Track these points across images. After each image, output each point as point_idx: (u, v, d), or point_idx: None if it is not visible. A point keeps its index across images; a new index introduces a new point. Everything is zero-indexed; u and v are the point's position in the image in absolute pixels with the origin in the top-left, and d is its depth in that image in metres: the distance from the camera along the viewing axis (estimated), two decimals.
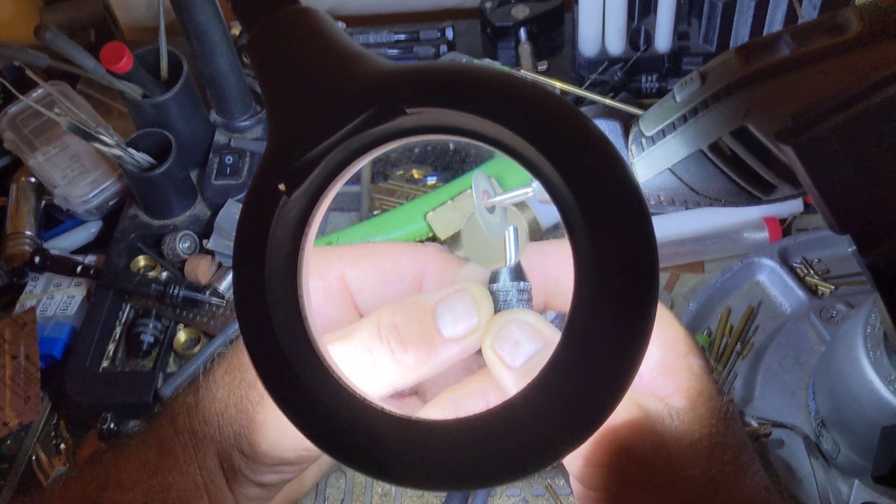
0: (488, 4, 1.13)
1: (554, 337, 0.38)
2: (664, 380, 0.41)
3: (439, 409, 0.40)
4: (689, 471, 0.39)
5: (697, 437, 0.40)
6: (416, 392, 0.49)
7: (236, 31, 1.12)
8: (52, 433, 0.89)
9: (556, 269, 0.43)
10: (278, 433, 0.44)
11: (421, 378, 0.40)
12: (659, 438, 0.39)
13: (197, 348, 0.92)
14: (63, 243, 1.04)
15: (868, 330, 0.64)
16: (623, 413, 0.39)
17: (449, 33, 1.17)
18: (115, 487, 0.46)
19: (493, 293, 0.40)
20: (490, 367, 0.39)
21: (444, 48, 1.16)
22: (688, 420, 0.40)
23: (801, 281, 0.86)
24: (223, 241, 0.94)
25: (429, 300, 0.40)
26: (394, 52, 1.17)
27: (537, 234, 0.92)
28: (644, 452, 0.39)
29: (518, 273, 0.40)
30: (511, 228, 0.41)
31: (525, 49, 1.11)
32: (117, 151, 0.92)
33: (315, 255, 0.36)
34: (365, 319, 0.40)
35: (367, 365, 0.39)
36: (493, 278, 0.40)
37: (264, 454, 0.45)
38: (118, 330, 0.94)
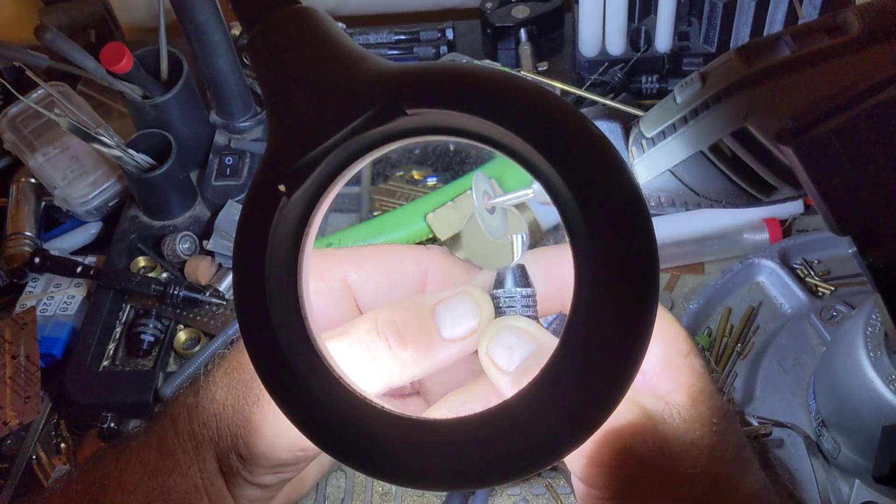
0: (489, 5, 1.13)
1: (548, 341, 0.38)
2: (666, 376, 0.42)
3: (444, 411, 0.41)
4: (691, 469, 0.39)
5: (699, 435, 0.40)
6: (419, 392, 0.49)
7: (236, 31, 1.11)
8: (53, 433, 0.89)
9: (558, 277, 0.43)
10: (275, 434, 0.44)
11: (418, 376, 0.40)
12: (661, 438, 0.39)
13: (197, 348, 0.92)
14: (63, 244, 1.04)
15: (868, 330, 0.64)
16: (625, 414, 0.39)
17: (449, 34, 1.17)
18: (117, 489, 0.46)
19: (497, 298, 0.40)
20: (486, 372, 0.39)
21: (444, 49, 1.16)
22: (689, 418, 0.40)
23: (801, 282, 0.86)
24: (223, 241, 0.94)
25: (428, 300, 0.40)
26: (394, 52, 1.17)
27: (537, 234, 0.92)
28: (646, 453, 0.39)
29: (522, 279, 0.40)
30: (519, 236, 0.41)
31: (525, 50, 1.11)
32: (117, 152, 0.92)
33: (318, 257, 0.36)
34: (363, 316, 0.41)
35: (364, 360, 0.39)
36: (499, 283, 0.40)
37: (261, 455, 0.45)
38: (118, 330, 0.94)
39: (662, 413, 0.40)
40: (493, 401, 0.40)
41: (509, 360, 0.38)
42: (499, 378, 0.38)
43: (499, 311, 0.40)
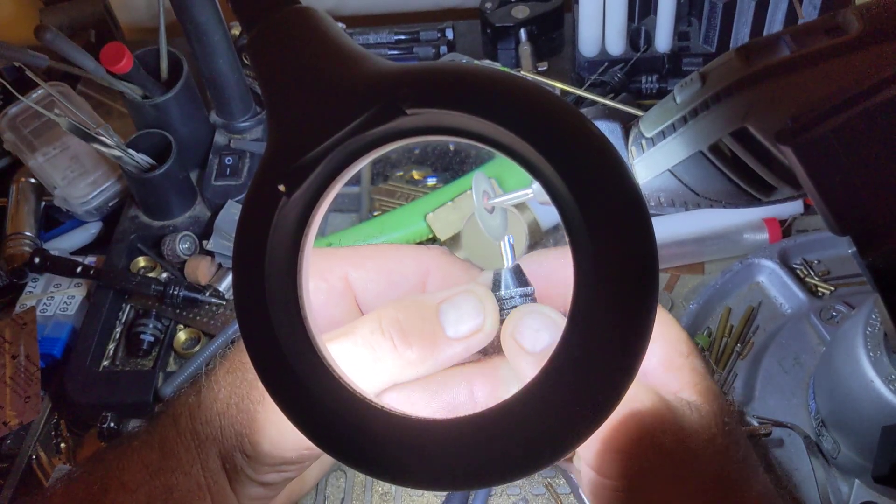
0: (488, 5, 1.13)
1: None
2: (669, 377, 0.42)
3: (421, 383, 0.40)
4: (707, 466, 0.39)
5: (714, 433, 0.40)
6: None
7: (236, 31, 1.12)
8: (53, 433, 0.89)
9: (557, 279, 0.43)
10: (279, 432, 0.44)
11: (422, 375, 0.40)
12: (681, 430, 0.39)
13: (197, 348, 0.92)
14: (63, 244, 1.04)
15: (868, 330, 0.64)
16: (644, 400, 0.39)
17: (449, 34, 1.17)
18: (118, 489, 0.46)
19: (498, 300, 0.40)
20: (508, 354, 0.39)
21: (444, 49, 1.16)
22: (705, 414, 0.40)
23: (801, 282, 0.86)
24: (223, 241, 0.94)
25: (432, 299, 0.40)
26: (394, 52, 1.17)
27: (537, 234, 0.92)
28: (667, 442, 0.38)
29: (520, 279, 0.40)
30: (506, 238, 0.41)
31: (525, 50, 1.11)
32: (117, 152, 0.92)
33: (318, 257, 0.36)
34: (367, 316, 0.41)
35: (369, 360, 0.39)
36: (496, 285, 0.40)
37: (266, 454, 0.45)
38: (118, 330, 0.94)
39: (682, 406, 0.40)
40: (473, 382, 0.40)
41: (535, 341, 0.38)
42: (522, 359, 0.38)
43: (501, 313, 0.40)
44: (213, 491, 0.47)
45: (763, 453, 0.75)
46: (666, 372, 0.42)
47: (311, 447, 0.44)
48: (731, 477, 0.39)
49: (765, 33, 1.00)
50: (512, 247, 0.41)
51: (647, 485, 0.39)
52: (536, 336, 0.38)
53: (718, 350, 0.84)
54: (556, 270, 0.43)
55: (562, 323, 0.38)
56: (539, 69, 1.11)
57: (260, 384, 0.44)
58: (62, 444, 0.88)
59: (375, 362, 0.39)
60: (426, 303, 0.40)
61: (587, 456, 0.40)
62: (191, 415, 0.47)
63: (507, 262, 0.41)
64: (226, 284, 0.94)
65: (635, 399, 0.39)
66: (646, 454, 0.39)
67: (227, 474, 0.47)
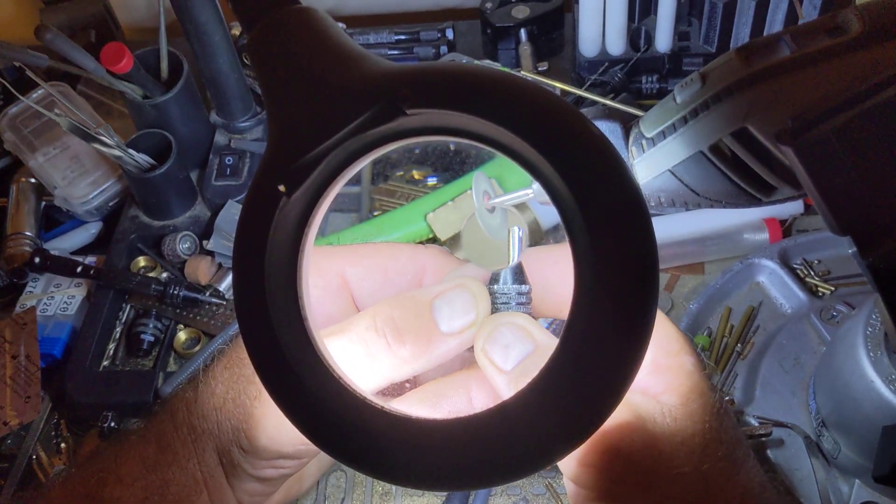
0: (489, 5, 1.13)
1: (546, 340, 0.38)
2: (655, 378, 0.41)
3: (419, 396, 0.40)
4: (681, 468, 0.39)
5: (689, 434, 0.40)
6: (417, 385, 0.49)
7: (236, 31, 1.11)
8: (53, 432, 0.89)
9: (546, 275, 0.43)
10: (276, 427, 0.44)
11: (417, 371, 0.40)
12: (649, 437, 0.39)
13: (197, 348, 0.92)
14: (63, 244, 1.04)
15: (868, 330, 0.64)
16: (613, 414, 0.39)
17: (449, 34, 1.17)
18: (115, 483, 0.46)
19: (492, 294, 0.40)
20: (483, 370, 0.39)
21: (444, 49, 1.16)
22: (680, 417, 0.40)
23: (801, 282, 0.86)
24: (223, 241, 0.94)
25: (426, 294, 0.40)
26: (394, 52, 1.17)
27: (537, 235, 0.92)
28: (633, 452, 0.39)
29: (519, 276, 0.40)
30: (516, 229, 0.41)
31: (525, 50, 1.11)
32: (117, 152, 0.92)
33: (315, 254, 0.36)
34: (362, 313, 0.41)
35: (363, 358, 0.39)
36: (494, 279, 0.40)
37: (263, 448, 0.45)
38: (118, 330, 0.94)
39: (653, 412, 0.40)
40: (470, 388, 0.40)
41: (506, 358, 0.38)
42: (496, 377, 0.38)
43: (493, 308, 0.40)
44: (210, 485, 0.47)
45: (763, 453, 0.75)
46: (649, 374, 0.41)
47: (307, 442, 0.44)
48: (708, 475, 0.39)
49: (765, 33, 1.00)
50: (520, 239, 0.41)
51: (618, 494, 0.39)
52: (507, 352, 0.38)
53: (719, 350, 0.84)
54: (555, 268, 0.43)
55: (536, 333, 0.38)
56: (539, 69, 1.11)
57: (257, 380, 0.45)
58: (62, 444, 0.88)
59: (370, 359, 0.39)
60: (420, 299, 0.40)
61: (564, 468, 0.41)
62: (188, 410, 0.47)
63: (514, 254, 0.41)
64: (226, 284, 0.94)
65: None
66: (614, 466, 0.39)
67: (223, 469, 0.47)
